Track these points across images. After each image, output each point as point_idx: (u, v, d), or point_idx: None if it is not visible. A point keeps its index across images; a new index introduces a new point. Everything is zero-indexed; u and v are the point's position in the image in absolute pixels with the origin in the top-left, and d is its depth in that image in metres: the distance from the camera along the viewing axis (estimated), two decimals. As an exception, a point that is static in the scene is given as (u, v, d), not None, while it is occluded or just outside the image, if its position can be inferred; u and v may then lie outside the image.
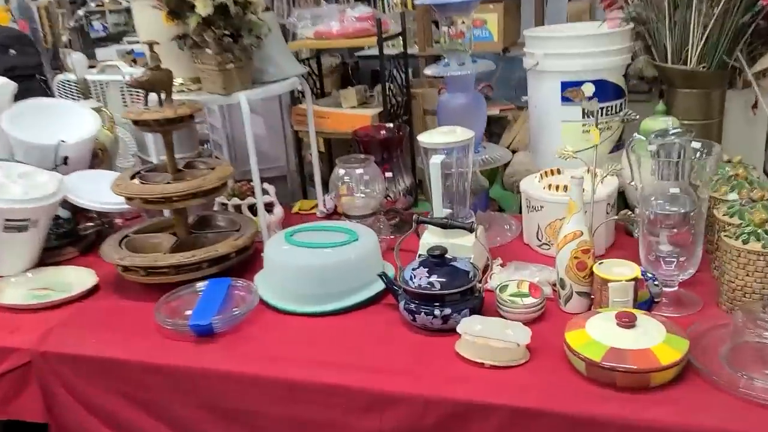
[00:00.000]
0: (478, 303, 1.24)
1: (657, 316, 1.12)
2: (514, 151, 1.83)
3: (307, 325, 1.32)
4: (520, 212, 2.00)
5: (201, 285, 1.42)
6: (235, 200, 1.74)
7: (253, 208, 1.74)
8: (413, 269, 1.25)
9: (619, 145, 1.71)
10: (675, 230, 1.30)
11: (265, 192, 1.77)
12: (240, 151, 2.04)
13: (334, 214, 1.85)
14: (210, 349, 1.26)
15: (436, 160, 1.31)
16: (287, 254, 1.38)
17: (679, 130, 1.32)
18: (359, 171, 1.54)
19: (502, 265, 1.42)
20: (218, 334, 1.30)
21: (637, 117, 1.36)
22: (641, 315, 1.10)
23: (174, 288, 1.41)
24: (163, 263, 1.42)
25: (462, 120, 1.51)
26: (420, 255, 1.41)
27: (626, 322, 1.07)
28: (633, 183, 1.42)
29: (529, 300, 1.24)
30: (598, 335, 1.07)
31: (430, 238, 1.39)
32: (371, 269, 1.39)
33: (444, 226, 1.28)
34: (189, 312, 1.34)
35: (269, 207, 1.77)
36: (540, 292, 1.26)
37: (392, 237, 1.60)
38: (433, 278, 1.22)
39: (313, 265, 1.34)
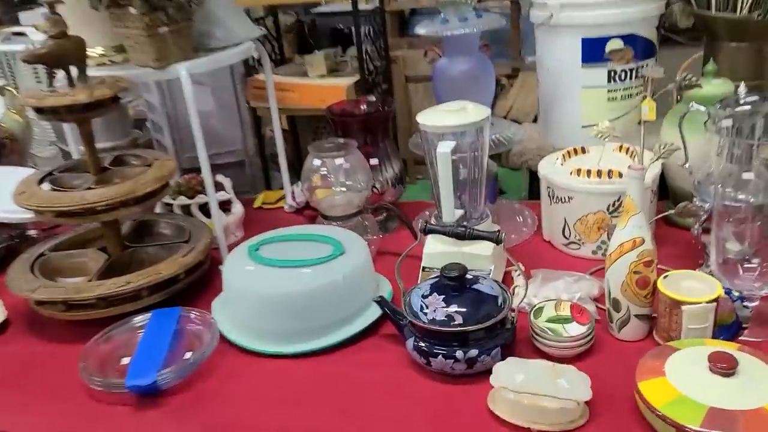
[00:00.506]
0: (511, 337, 0.94)
1: (758, 353, 0.84)
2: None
3: (284, 371, 1.01)
4: (531, 198, 1.72)
5: (141, 320, 1.09)
6: (183, 199, 1.39)
7: (205, 208, 1.40)
8: (423, 296, 0.94)
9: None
10: (743, 226, 1.02)
11: (219, 186, 1.43)
12: (186, 133, 1.68)
13: (306, 208, 1.52)
14: (155, 417, 0.94)
15: (444, 148, 0.99)
16: (253, 278, 1.05)
17: (755, 98, 1.03)
18: (339, 161, 1.21)
19: (525, 276, 1.13)
20: (166, 392, 0.97)
21: (700, 82, 1.06)
22: (739, 353, 0.82)
23: (106, 325, 1.08)
24: (89, 295, 1.08)
25: (466, 91, 1.20)
26: (424, 269, 1.10)
27: (725, 369, 0.79)
28: (687, 165, 1.13)
29: (575, 328, 0.95)
30: (687, 387, 0.79)
31: (436, 245, 1.09)
32: (364, 292, 1.08)
33: (462, 237, 0.98)
34: (126, 360, 1.02)
35: (226, 205, 1.44)
36: (587, 316, 0.97)
37: (379, 236, 1.29)
38: (453, 309, 0.91)
39: (289, 292, 1.02)
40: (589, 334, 0.94)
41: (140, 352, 1.03)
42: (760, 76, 1.31)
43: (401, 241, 1.35)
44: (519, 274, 1.13)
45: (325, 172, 1.24)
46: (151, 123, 1.75)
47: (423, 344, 0.92)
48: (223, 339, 1.07)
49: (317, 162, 1.23)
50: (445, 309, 0.92)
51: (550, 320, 0.98)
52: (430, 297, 0.94)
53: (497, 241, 0.94)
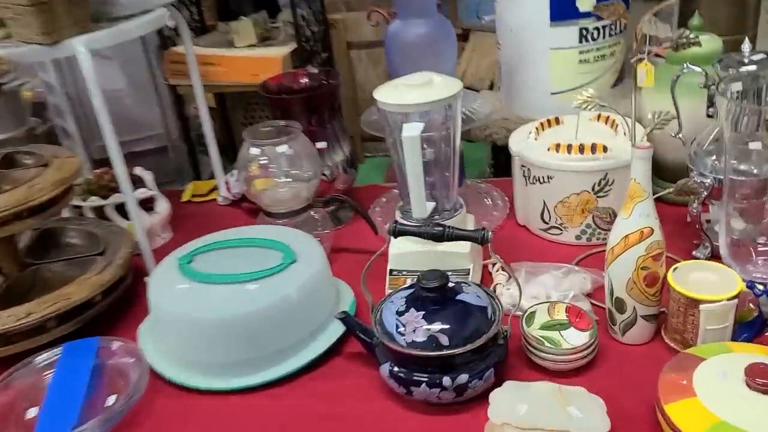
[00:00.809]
0: (503, 353, 0.79)
1: (794, 359, 0.72)
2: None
3: (233, 410, 0.83)
4: (496, 176, 1.58)
5: (49, 357, 0.89)
6: (94, 200, 1.18)
7: (123, 208, 1.19)
8: (398, 313, 0.78)
9: (621, 78, 1.29)
10: (747, 202, 0.91)
11: (138, 181, 1.22)
12: (95, 118, 1.44)
13: (243, 200, 1.33)
14: (74, 488, 0.76)
15: (411, 131, 0.82)
16: (187, 299, 0.86)
17: (761, 56, 0.90)
18: (281, 148, 1.02)
19: (510, 273, 0.98)
20: (87, 452, 0.79)
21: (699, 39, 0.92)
22: (775, 361, 0.70)
23: (4, 367, 0.87)
24: (-21, 333, 0.87)
25: (425, 59, 1.03)
26: (391, 272, 0.94)
27: (764, 385, 0.67)
28: (681, 135, 1.00)
29: (575, 336, 0.81)
30: (725, 410, 0.66)
31: (404, 244, 0.92)
32: (323, 306, 0.91)
33: (439, 238, 0.81)
34: (33, 412, 0.82)
35: (148, 203, 1.23)
36: (587, 320, 0.83)
37: (331, 230, 1.11)
38: (435, 327, 0.75)
39: (234, 315, 0.83)
40: (592, 343, 0.81)
41: (50, 400, 0.83)
42: (742, 31, 1.19)
43: (357, 233, 1.18)
44: (499, 270, 0.99)
45: (266, 162, 1.05)
46: (51, 108, 1.50)
47: (401, 371, 0.77)
48: (155, 374, 0.88)
49: (255, 151, 1.03)
50: (427, 328, 0.76)
51: (544, 327, 0.84)
52: (406, 314, 0.77)
53: (482, 241, 0.78)
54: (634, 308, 0.82)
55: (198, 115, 1.31)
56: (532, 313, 0.85)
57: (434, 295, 0.78)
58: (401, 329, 0.76)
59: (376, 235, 1.11)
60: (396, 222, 0.81)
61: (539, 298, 0.92)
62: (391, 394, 0.81)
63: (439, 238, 0.79)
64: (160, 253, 1.11)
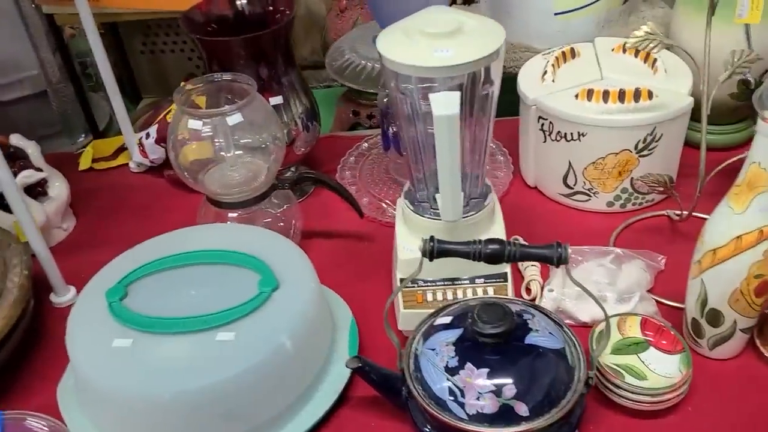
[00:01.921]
0: (584, 403, 0.60)
1: None
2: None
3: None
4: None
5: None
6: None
7: (2, 199, 0.86)
8: (449, 370, 0.56)
9: (631, -8, 1.06)
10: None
11: (20, 160, 0.89)
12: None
13: (165, 166, 1.02)
14: None
15: (447, 106, 0.56)
16: (131, 366, 0.59)
17: None
18: (234, 119, 0.72)
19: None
20: None
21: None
22: None
23: None
24: None
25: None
26: (402, 281, 0.71)
27: None
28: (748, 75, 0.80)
29: (660, 361, 0.63)
30: None
31: (415, 245, 0.68)
32: (321, 346, 0.68)
33: (497, 260, 0.57)
34: None
35: (38, 186, 0.90)
36: (671, 337, 0.65)
37: (296, 205, 0.85)
38: (507, 391, 0.54)
39: (204, 387, 0.58)
40: (688, 374, 0.62)
41: None
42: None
43: (328, 208, 0.93)
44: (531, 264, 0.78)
45: (210, 134, 0.76)
46: None
47: (458, 448, 0.56)
48: (94, 461, 0.62)
49: (195, 124, 0.73)
50: (495, 392, 0.54)
51: (616, 350, 0.65)
52: (461, 372, 0.55)
53: (559, 262, 0.56)
54: (734, 321, 0.64)
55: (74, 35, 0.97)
56: (599, 332, 0.66)
57: (497, 341, 0.56)
58: (459, 396, 0.55)
59: (361, 218, 0.86)
60: (432, 239, 0.57)
61: (588, 300, 0.73)
62: (435, 466, 0.60)
63: (496, 259, 0.57)
64: (63, 253, 0.83)
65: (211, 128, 0.75)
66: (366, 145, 1.04)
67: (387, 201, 0.92)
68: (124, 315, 0.62)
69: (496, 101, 0.65)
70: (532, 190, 0.93)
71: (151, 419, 0.59)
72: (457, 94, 0.57)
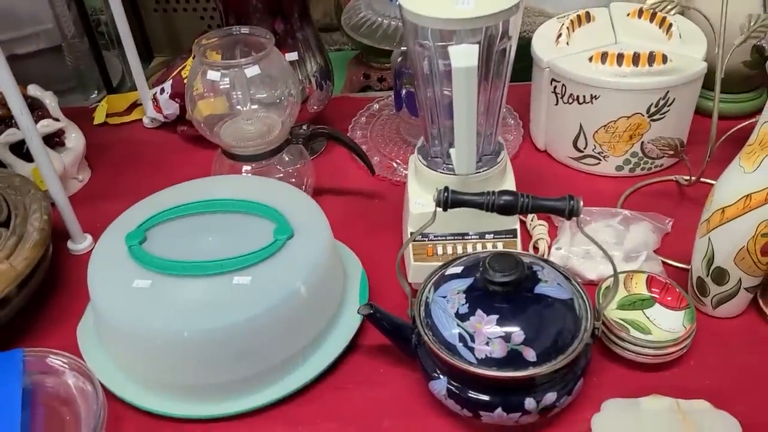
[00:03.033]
0: (590, 354, 0.61)
1: None
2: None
3: (231, 444, 0.63)
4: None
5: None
6: (-22, 139, 0.86)
7: (19, 147, 0.88)
8: (460, 316, 0.57)
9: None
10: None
11: (37, 110, 0.90)
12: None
13: (179, 122, 1.03)
14: None
15: (465, 58, 0.57)
16: (151, 304, 0.61)
17: None
18: (251, 70, 0.73)
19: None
20: None
21: None
22: None
23: None
24: None
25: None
26: (412, 234, 0.72)
27: None
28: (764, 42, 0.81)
29: (665, 317, 0.65)
30: None
31: (427, 200, 0.69)
32: (334, 294, 0.69)
33: (509, 211, 0.58)
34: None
35: (55, 137, 0.92)
36: (675, 294, 0.67)
37: (308, 162, 0.86)
38: (516, 337, 0.56)
39: (223, 326, 0.59)
40: (692, 329, 0.64)
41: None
42: None
43: (339, 166, 0.95)
44: (534, 219, 0.80)
45: (227, 86, 0.77)
46: None
47: (468, 392, 0.57)
48: (109, 395, 0.64)
49: (213, 75, 0.74)
50: (504, 338, 0.56)
51: (623, 305, 0.67)
52: (472, 318, 0.57)
53: (571, 214, 0.57)
54: (739, 280, 0.65)
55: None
56: (606, 288, 0.67)
57: (507, 289, 0.58)
58: (469, 342, 0.56)
59: (372, 175, 0.87)
60: (447, 189, 0.59)
61: (595, 258, 0.75)
62: (442, 410, 0.62)
63: (509, 210, 0.58)
64: (79, 203, 0.85)
65: (228, 80, 0.76)
66: (377, 106, 1.04)
67: (398, 160, 0.93)
68: (143, 257, 0.64)
69: (513, 58, 0.66)
70: (541, 154, 0.94)
71: (168, 356, 0.61)
72: (476, 47, 0.58)
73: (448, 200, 0.59)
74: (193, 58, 0.78)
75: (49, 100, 0.92)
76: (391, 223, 0.83)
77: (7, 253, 0.69)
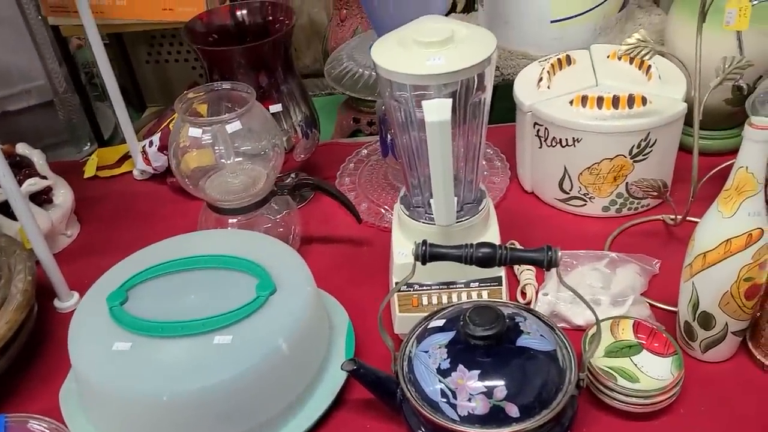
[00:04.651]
0: (576, 405, 0.61)
1: None
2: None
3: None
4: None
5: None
6: (-34, 199, 0.86)
7: (8, 207, 0.88)
8: (441, 371, 0.57)
9: (626, 3, 1.06)
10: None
11: (25, 168, 0.91)
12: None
13: (168, 173, 1.04)
14: None
15: (438, 112, 0.57)
16: (131, 367, 0.60)
17: None
18: (233, 126, 0.74)
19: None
20: None
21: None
22: None
23: None
24: None
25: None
26: (397, 284, 0.72)
27: None
28: (740, 82, 0.81)
29: (653, 363, 0.64)
30: None
31: (409, 250, 0.69)
32: (318, 350, 0.69)
33: (487, 263, 0.58)
34: None
35: (43, 194, 0.92)
36: (662, 339, 0.66)
37: (295, 211, 0.86)
38: (498, 392, 0.55)
39: (203, 387, 0.59)
40: (680, 376, 0.63)
41: None
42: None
43: (327, 214, 0.95)
44: (521, 266, 0.79)
45: (209, 142, 0.77)
46: None
47: (450, 449, 0.57)
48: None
49: (195, 132, 0.75)
50: (486, 393, 0.55)
51: (609, 353, 0.66)
52: (453, 374, 0.56)
53: (550, 265, 0.57)
54: (726, 324, 0.64)
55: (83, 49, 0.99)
56: (592, 335, 0.67)
57: (488, 343, 0.57)
58: (451, 398, 0.56)
59: (359, 224, 0.87)
60: (425, 243, 0.59)
61: (580, 302, 0.74)
62: (429, 467, 0.61)
63: (487, 262, 0.58)
64: (66, 259, 0.85)
65: (211, 136, 0.77)
66: (365, 151, 1.05)
67: (385, 206, 0.93)
68: (124, 319, 0.64)
69: (489, 108, 0.66)
70: (529, 195, 0.94)
71: (149, 420, 0.61)
72: (449, 101, 0.58)
73: (426, 254, 0.59)
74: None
75: (37, 158, 0.93)
76: (379, 270, 0.83)
77: (-9, 316, 0.69)
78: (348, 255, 0.88)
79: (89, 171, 1.09)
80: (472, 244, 0.58)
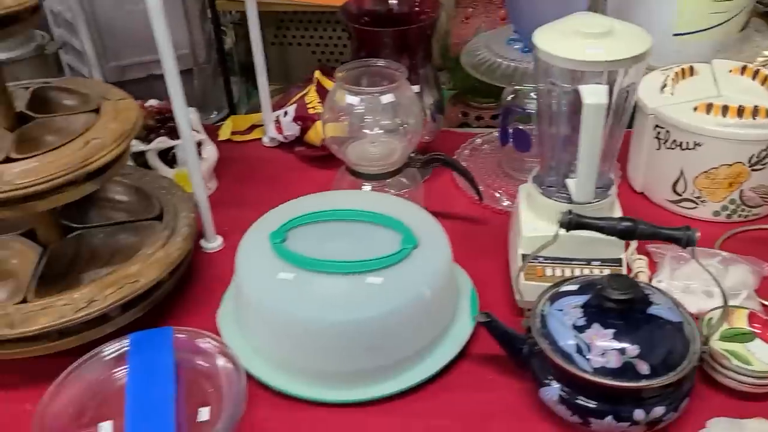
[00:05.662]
0: (694, 377, 0.66)
1: None
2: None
3: (350, 426, 0.69)
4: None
5: (118, 349, 0.71)
6: (135, 143, 0.97)
7: (167, 155, 0.99)
8: (578, 328, 0.63)
9: (747, 24, 1.11)
10: None
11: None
12: (107, 33, 1.20)
13: (296, 143, 1.13)
14: None
15: (595, 96, 0.64)
16: (295, 294, 0.69)
17: None
18: (386, 98, 0.82)
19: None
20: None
21: None
22: None
23: (58, 362, 0.69)
24: (29, 329, 0.68)
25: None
26: (524, 257, 0.78)
27: None
28: None
29: (765, 351, 0.69)
30: None
31: (538, 225, 0.75)
32: (450, 303, 0.76)
33: (628, 236, 0.64)
34: (107, 429, 0.66)
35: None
36: (778, 331, 0.71)
37: (420, 185, 0.93)
38: (631, 351, 0.61)
39: (357, 319, 0.67)
40: (794, 363, 0.68)
41: (134, 409, 0.66)
42: None
43: (445, 192, 1.02)
44: (633, 254, 0.85)
45: (361, 111, 0.86)
46: (56, 20, 1.24)
47: (580, 399, 0.63)
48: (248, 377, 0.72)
49: (353, 100, 0.83)
50: (620, 351, 0.61)
51: (724, 337, 0.71)
52: (588, 331, 0.63)
53: (687, 243, 0.63)
54: (842, 321, 0.69)
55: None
56: (709, 320, 0.72)
57: (623, 307, 0.63)
58: (585, 352, 0.62)
59: (480, 202, 0.94)
60: (571, 212, 0.65)
61: (695, 293, 0.79)
62: (549, 416, 0.67)
63: (628, 235, 0.64)
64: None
65: (364, 105, 0.85)
66: (479, 140, 1.12)
67: (500, 191, 1.00)
68: (284, 254, 0.72)
69: (633, 102, 0.72)
70: (638, 195, 0.99)
71: (304, 342, 0.69)
72: (606, 87, 0.65)
73: (572, 222, 0.65)
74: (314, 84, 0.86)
75: (192, 114, 1.03)
76: (495, 247, 0.89)
77: (162, 243, 0.78)
78: (465, 231, 0.94)
79: (224, 134, 1.19)
80: (614, 217, 0.65)
